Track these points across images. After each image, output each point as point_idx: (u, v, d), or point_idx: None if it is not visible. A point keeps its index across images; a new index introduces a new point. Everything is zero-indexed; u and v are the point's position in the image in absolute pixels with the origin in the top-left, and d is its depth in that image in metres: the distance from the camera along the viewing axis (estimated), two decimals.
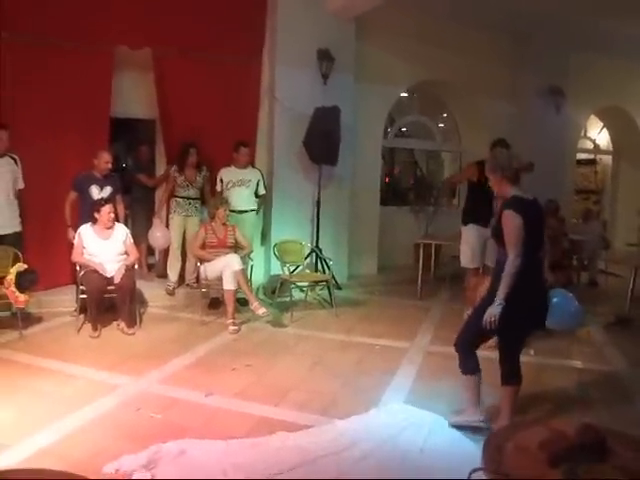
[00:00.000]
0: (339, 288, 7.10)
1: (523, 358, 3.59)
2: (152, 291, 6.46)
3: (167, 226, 6.73)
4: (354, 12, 7.20)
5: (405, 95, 8.96)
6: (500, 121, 8.49)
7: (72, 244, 5.65)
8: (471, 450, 3.23)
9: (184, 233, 6.69)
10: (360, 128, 7.68)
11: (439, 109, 9.66)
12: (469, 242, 5.74)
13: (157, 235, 6.61)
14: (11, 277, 5.06)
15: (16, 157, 5.71)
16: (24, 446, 3.29)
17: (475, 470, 2.11)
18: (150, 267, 7.32)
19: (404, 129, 9.58)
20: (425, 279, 7.44)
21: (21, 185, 5.76)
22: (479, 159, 5.34)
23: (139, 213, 6.97)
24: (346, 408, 3.87)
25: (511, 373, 3.51)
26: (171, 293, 6.59)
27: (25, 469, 2.33)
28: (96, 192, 5.92)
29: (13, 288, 5.04)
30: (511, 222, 3.34)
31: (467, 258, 5.78)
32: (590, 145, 11.66)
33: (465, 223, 5.80)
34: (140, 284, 5.96)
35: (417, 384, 4.37)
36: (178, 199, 6.64)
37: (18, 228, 5.69)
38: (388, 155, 9.78)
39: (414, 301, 7.08)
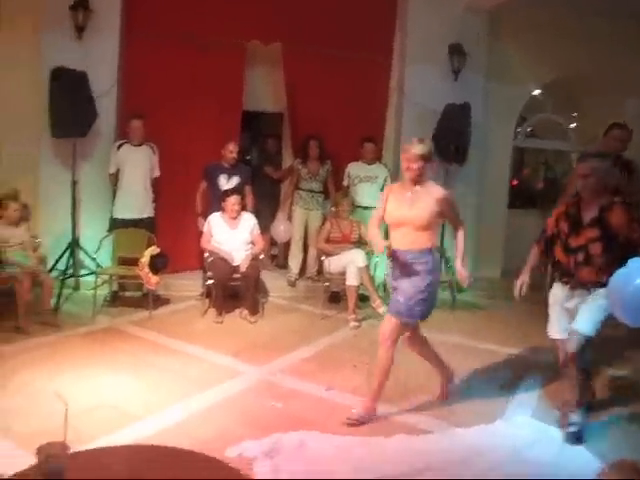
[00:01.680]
0: (461, 291, 6.84)
1: None
2: (274, 282, 6.54)
3: (290, 219, 6.80)
4: (487, 5, 6.89)
5: (538, 93, 8.49)
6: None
7: (201, 231, 5.84)
8: None
9: (306, 226, 6.71)
10: (490, 127, 7.36)
11: (573, 107, 9.07)
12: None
13: (280, 228, 6.69)
14: (145, 259, 5.29)
15: (154, 146, 6.00)
16: (152, 420, 3.42)
17: None
18: (273, 258, 7.42)
19: (534, 129, 9.10)
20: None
21: (157, 173, 6.06)
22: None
23: (264, 205, 7.07)
24: (468, 416, 3.70)
25: None
26: (292, 284, 6.65)
27: (158, 446, 2.37)
28: (224, 182, 6.08)
29: (147, 270, 5.26)
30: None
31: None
32: None
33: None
34: (263, 274, 6.03)
35: (544, 397, 4.10)
36: (301, 192, 6.68)
37: (152, 213, 5.97)
38: (517, 156, 9.33)
39: (540, 308, 6.65)
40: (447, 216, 3.68)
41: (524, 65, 7.56)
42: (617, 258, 3.17)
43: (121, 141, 5.97)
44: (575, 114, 9.09)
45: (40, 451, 1.73)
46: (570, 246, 3.50)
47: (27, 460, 1.95)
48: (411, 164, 3.48)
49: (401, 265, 3.54)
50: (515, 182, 9.39)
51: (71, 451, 1.81)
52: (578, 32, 7.53)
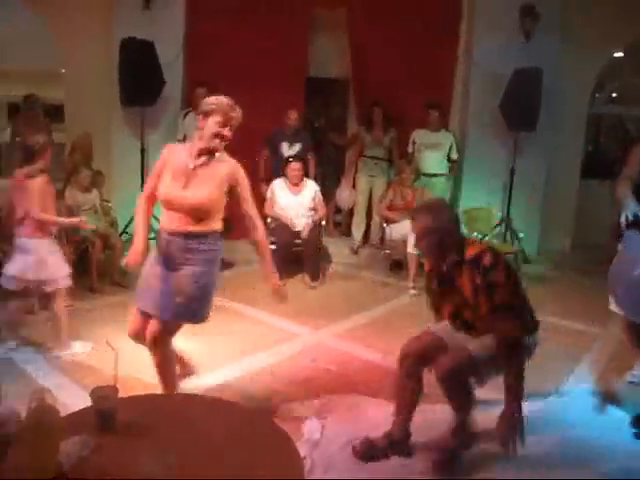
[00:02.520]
0: (527, 262, 6.67)
1: None
2: (336, 248, 6.59)
3: (354, 186, 6.79)
4: None
5: (619, 56, 8.02)
6: None
7: (264, 198, 5.92)
8: None
9: (370, 193, 6.69)
10: (564, 93, 7.03)
11: None
12: None
13: (343, 194, 6.71)
14: None
15: None
16: (209, 377, 3.57)
17: None
18: (336, 225, 7.45)
19: (614, 94, 8.63)
20: None
21: None
22: None
23: (329, 172, 7.10)
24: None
25: None
26: (355, 252, 6.68)
27: (206, 396, 2.47)
28: (286, 148, 6.14)
29: None
30: None
31: None
32: None
33: None
34: (326, 241, 6.09)
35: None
36: (365, 159, 6.66)
37: None
38: (593, 123, 8.90)
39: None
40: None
41: (603, 24, 7.12)
42: None
43: (188, 109, 6.11)
44: None
45: (93, 393, 1.86)
46: None
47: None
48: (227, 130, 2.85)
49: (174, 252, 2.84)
50: (590, 150, 8.99)
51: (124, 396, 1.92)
52: None
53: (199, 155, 2.82)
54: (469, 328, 2.75)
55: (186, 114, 6.07)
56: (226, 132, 2.79)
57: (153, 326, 2.86)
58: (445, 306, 2.82)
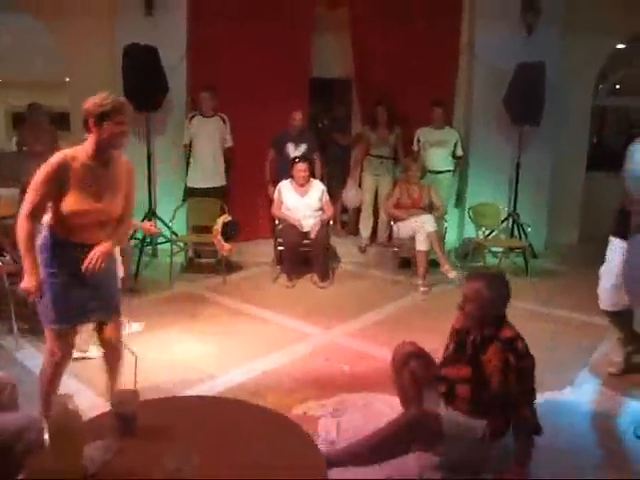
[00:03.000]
0: (535, 256, 6.66)
1: None
2: (345, 248, 6.60)
3: (360, 185, 6.81)
4: None
5: (621, 47, 8.00)
6: None
7: (272, 199, 5.95)
8: None
9: (376, 192, 6.70)
10: (567, 85, 7.02)
11: None
12: None
13: (350, 194, 6.73)
14: (217, 227, 5.45)
15: (225, 117, 6.15)
16: (224, 379, 3.59)
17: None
18: (343, 224, 7.47)
19: (618, 86, 8.61)
20: None
21: (229, 143, 6.23)
22: None
23: (334, 172, 7.10)
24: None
25: None
26: (363, 250, 6.68)
27: (224, 397, 2.49)
28: (292, 149, 6.18)
29: (219, 237, 5.42)
30: None
31: None
32: None
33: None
34: (333, 240, 6.11)
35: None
36: (371, 158, 6.67)
37: (223, 182, 6.14)
38: (598, 114, 8.89)
39: None
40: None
41: (606, 16, 7.10)
42: None
43: (193, 113, 6.16)
44: None
45: (113, 397, 1.88)
46: None
47: (106, 407, 2.11)
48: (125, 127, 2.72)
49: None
50: (595, 142, 8.97)
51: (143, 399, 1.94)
52: None
53: (102, 159, 2.70)
54: (467, 403, 2.67)
55: (192, 117, 6.11)
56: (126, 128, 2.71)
57: (112, 330, 2.83)
58: (453, 370, 2.78)
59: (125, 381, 2.88)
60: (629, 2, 6.97)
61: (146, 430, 1.86)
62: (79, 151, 2.64)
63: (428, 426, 2.54)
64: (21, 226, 2.55)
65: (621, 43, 7.81)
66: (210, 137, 6.04)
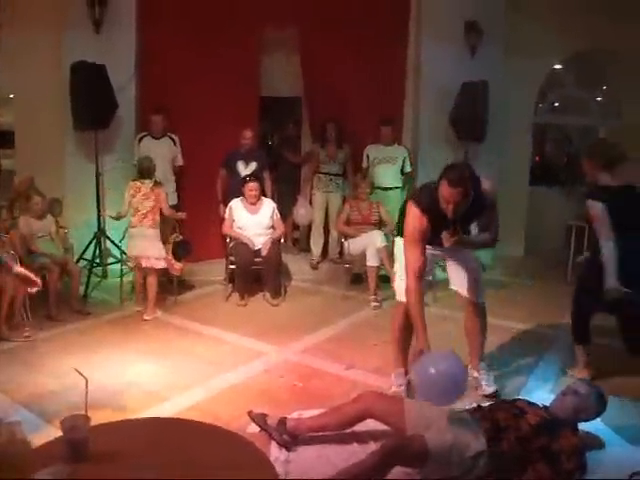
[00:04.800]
0: (484, 269, 6.81)
1: None
2: (296, 265, 6.63)
3: (310, 202, 6.85)
4: None
5: (559, 67, 8.36)
6: None
7: (223, 218, 5.94)
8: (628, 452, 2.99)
9: (327, 209, 6.76)
10: (509, 103, 7.28)
11: (597, 81, 8.90)
12: None
13: (301, 212, 6.76)
14: (168, 246, 5.40)
15: (175, 138, 6.15)
16: (177, 400, 3.56)
17: (636, 474, 1.90)
18: (295, 242, 7.50)
19: (557, 104, 8.97)
20: (576, 264, 6.97)
21: (180, 162, 6.23)
22: None
23: (285, 189, 7.15)
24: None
25: None
26: (315, 267, 6.72)
27: (177, 418, 2.47)
28: (242, 168, 6.19)
29: (170, 256, 5.37)
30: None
31: None
32: None
33: None
34: (285, 258, 6.12)
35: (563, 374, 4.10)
36: (320, 175, 6.74)
37: (174, 201, 6.07)
38: (539, 132, 9.22)
39: (563, 287, 6.63)
40: None
41: (544, 38, 7.41)
42: None
43: (143, 134, 6.12)
44: (604, 87, 8.92)
45: (64, 423, 1.85)
46: None
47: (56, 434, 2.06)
48: None
49: None
50: (537, 159, 9.29)
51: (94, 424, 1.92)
52: (600, 2, 7.36)
53: None
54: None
55: (141, 138, 6.06)
56: None
57: None
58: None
59: (76, 405, 2.82)
60: (564, 25, 7.32)
61: (98, 455, 1.83)
62: None
63: (411, 452, 2.56)
64: None
65: (558, 64, 8.16)
66: (160, 158, 5.98)
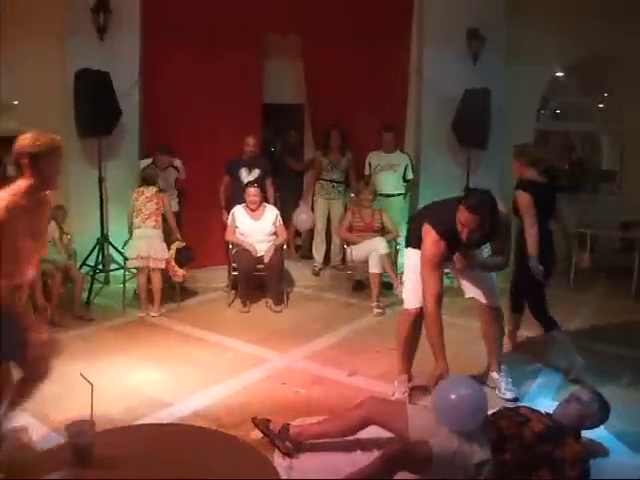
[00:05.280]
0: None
1: None
2: (299, 271, 6.64)
3: (312, 209, 6.86)
4: None
5: (560, 75, 8.39)
6: None
7: (226, 225, 5.95)
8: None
9: (329, 216, 6.77)
10: (511, 110, 7.29)
11: (599, 88, 8.92)
12: None
13: (302, 217, 6.78)
14: (171, 253, 5.42)
15: (179, 166, 6.18)
16: (180, 406, 3.55)
17: None
18: (297, 248, 7.51)
19: (558, 111, 9.00)
20: (578, 271, 6.98)
21: (182, 177, 6.19)
22: None
23: (287, 196, 7.16)
24: (491, 401, 3.70)
25: None
26: (317, 274, 6.73)
27: (180, 424, 2.48)
28: (245, 175, 6.19)
29: (173, 263, 5.39)
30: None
31: None
32: None
33: None
34: (287, 264, 6.13)
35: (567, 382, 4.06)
36: (322, 182, 6.75)
37: (176, 208, 6.07)
38: (541, 139, 9.24)
39: (566, 293, 6.63)
40: None
41: (546, 46, 7.44)
42: None
43: (148, 162, 6.05)
44: (605, 94, 8.95)
45: (69, 428, 1.85)
46: None
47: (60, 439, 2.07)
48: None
49: None
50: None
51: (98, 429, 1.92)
52: (604, 9, 7.38)
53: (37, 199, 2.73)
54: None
55: (146, 168, 5.98)
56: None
57: None
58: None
59: (81, 411, 2.83)
60: (565, 32, 7.34)
61: (103, 460, 1.84)
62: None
63: (415, 457, 2.57)
64: None
65: (560, 71, 8.18)
66: (166, 186, 5.97)
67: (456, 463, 2.60)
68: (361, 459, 2.87)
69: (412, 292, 3.62)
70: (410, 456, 2.57)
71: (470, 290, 3.87)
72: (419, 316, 3.57)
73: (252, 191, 5.78)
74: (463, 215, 3.17)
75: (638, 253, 6.56)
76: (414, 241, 3.60)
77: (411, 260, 3.63)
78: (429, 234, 3.34)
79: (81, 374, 2.06)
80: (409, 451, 2.59)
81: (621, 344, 4.79)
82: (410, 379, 3.84)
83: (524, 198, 4.13)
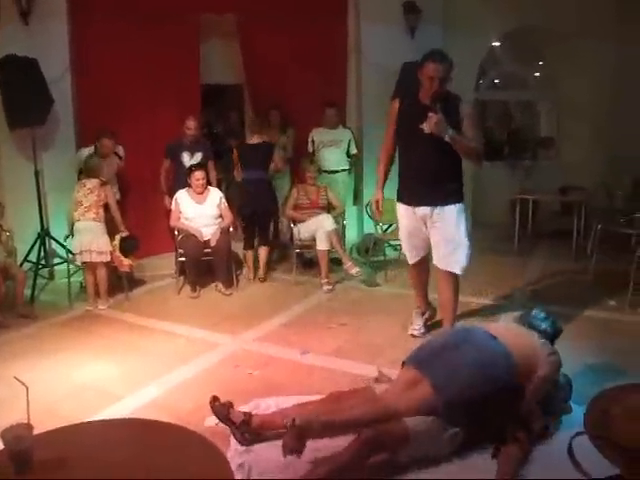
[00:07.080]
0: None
1: None
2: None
3: None
4: None
5: (497, 44, 8.49)
6: (603, 67, 7.88)
7: (169, 211, 5.85)
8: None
9: None
10: (451, 80, 7.34)
11: (534, 57, 9.09)
12: None
13: None
14: (115, 243, 5.30)
15: (120, 153, 6.00)
16: (132, 398, 3.50)
17: (577, 434, 1.95)
18: (244, 230, 7.42)
19: (497, 81, 9.13)
20: (522, 236, 7.16)
21: (122, 164, 6.04)
22: None
23: (231, 178, 7.07)
24: None
25: None
26: None
27: (130, 419, 2.44)
28: (187, 158, 6.07)
29: (118, 253, 5.28)
30: None
31: None
32: None
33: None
34: (235, 246, 6.08)
35: None
36: None
37: (117, 197, 5.91)
38: (481, 108, 9.37)
39: (511, 258, 6.81)
40: None
41: (482, 16, 7.52)
42: None
43: (88, 151, 5.81)
44: (540, 63, 9.11)
45: (4, 435, 1.79)
46: None
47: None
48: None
49: None
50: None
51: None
52: None
53: None
54: None
55: (89, 158, 5.75)
56: None
57: None
58: None
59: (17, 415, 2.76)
60: (500, 3, 7.42)
61: (44, 464, 1.78)
62: None
63: (392, 438, 2.59)
64: None
65: (496, 41, 8.28)
66: (106, 175, 5.78)
67: (431, 437, 2.65)
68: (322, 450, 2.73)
69: (406, 250, 4.33)
70: (386, 437, 2.59)
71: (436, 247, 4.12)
72: (417, 265, 4.32)
73: (198, 174, 5.68)
74: (430, 68, 3.70)
75: (577, 216, 6.74)
76: None
77: (402, 219, 4.24)
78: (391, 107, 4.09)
79: (15, 377, 2.00)
80: (385, 432, 2.60)
81: (564, 303, 4.93)
82: (424, 312, 4.48)
83: None
